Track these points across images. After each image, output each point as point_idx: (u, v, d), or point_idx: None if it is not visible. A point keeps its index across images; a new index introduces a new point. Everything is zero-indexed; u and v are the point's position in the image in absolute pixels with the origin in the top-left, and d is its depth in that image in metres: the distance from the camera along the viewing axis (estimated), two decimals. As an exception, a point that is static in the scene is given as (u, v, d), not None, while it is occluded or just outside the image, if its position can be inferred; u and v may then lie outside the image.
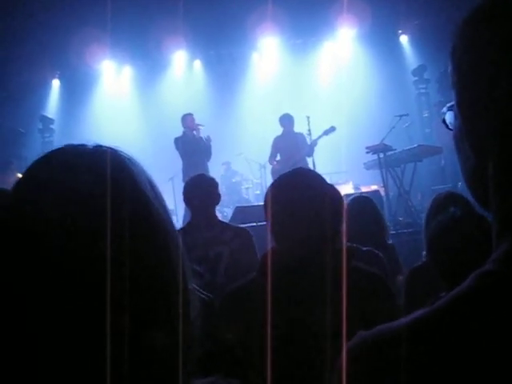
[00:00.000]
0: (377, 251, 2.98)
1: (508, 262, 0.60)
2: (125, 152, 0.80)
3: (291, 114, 8.73)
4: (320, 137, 8.29)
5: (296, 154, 8.46)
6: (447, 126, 0.75)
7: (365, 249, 2.90)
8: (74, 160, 0.76)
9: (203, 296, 1.17)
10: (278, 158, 8.85)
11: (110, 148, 0.79)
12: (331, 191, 1.80)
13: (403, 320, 0.61)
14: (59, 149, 0.78)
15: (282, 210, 1.75)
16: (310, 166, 8.17)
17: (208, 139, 8.52)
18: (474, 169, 0.69)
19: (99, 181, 0.73)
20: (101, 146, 0.79)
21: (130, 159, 0.79)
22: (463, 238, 1.71)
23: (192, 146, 8.44)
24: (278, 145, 8.78)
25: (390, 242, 3.70)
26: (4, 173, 9.67)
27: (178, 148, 8.56)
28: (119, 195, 0.73)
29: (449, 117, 0.73)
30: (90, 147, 0.78)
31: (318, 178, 1.84)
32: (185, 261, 0.81)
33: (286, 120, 8.73)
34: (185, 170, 8.39)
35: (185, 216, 6.99)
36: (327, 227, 1.71)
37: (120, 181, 0.74)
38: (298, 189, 1.77)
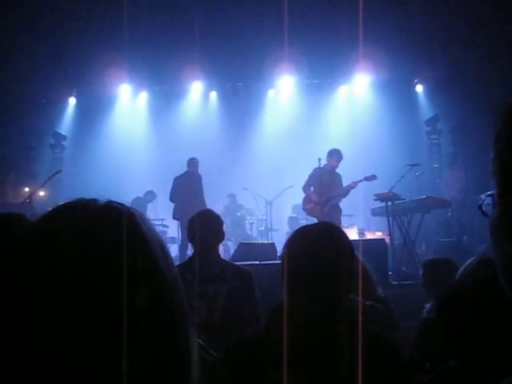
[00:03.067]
0: (378, 305, 2.92)
1: None
2: (137, 210, 0.78)
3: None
4: (360, 181, 8.05)
5: (332, 192, 8.17)
6: (483, 213, 0.70)
7: (367, 303, 2.85)
8: (87, 218, 0.74)
9: (207, 355, 1.15)
10: (312, 190, 8.41)
11: (123, 205, 0.77)
12: (349, 251, 1.77)
13: None
14: (72, 203, 0.76)
15: (299, 265, 1.72)
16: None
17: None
18: None
19: (112, 242, 0.71)
20: (112, 202, 0.77)
21: (142, 219, 0.77)
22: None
23: (193, 186, 8.66)
24: (318, 177, 8.24)
25: (381, 291, 3.57)
26: (2, 185, 9.67)
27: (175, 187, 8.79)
28: (131, 259, 0.71)
29: (486, 204, 0.69)
30: (102, 203, 0.76)
31: (337, 235, 1.81)
32: (189, 318, 0.79)
33: (336, 156, 8.25)
34: (180, 206, 8.58)
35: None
36: (342, 286, 1.68)
37: (133, 245, 0.72)
38: (315, 246, 1.75)
